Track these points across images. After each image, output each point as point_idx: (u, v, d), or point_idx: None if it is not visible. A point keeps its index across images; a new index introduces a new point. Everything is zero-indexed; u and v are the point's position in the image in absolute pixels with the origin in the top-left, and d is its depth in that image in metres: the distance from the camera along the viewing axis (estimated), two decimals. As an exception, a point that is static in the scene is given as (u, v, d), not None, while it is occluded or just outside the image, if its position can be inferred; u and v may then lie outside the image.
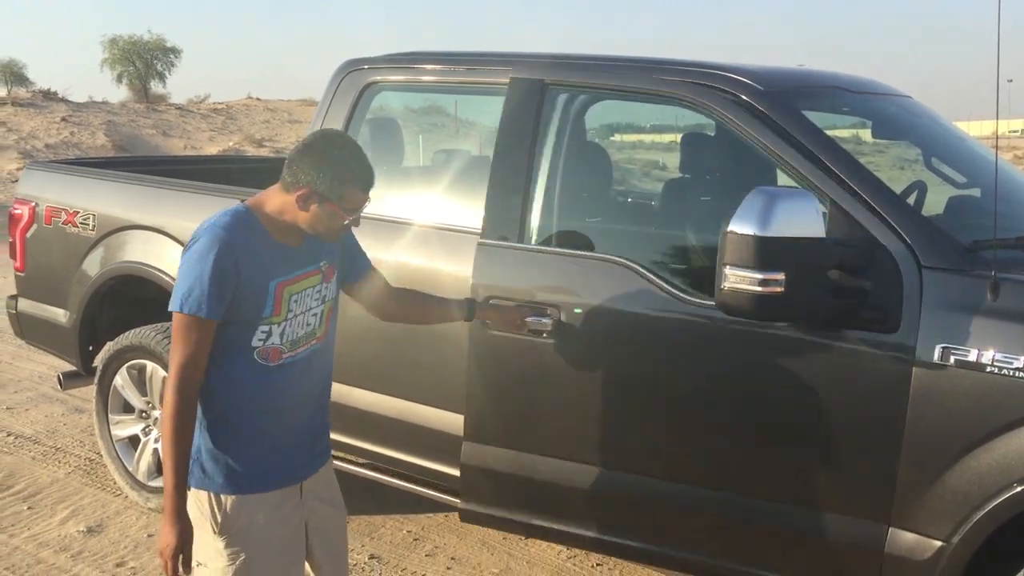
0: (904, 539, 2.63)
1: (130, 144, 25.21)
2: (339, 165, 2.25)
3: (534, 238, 3.25)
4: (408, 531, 4.17)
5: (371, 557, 3.94)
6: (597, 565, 3.87)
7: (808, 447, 2.77)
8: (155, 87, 36.31)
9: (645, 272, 2.98)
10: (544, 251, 3.23)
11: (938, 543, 2.57)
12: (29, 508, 4.36)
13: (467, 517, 3.30)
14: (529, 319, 3.04)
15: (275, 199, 2.30)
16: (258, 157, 7.10)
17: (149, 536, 4.09)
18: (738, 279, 2.51)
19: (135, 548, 3.99)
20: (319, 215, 2.26)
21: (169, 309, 2.23)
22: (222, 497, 2.32)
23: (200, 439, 2.32)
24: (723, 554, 2.94)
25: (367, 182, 2.30)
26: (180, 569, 2.25)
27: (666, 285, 2.94)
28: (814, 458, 2.76)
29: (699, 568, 2.99)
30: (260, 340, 2.28)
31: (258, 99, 36.00)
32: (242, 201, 2.35)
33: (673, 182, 4.49)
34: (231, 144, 27.24)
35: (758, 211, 2.47)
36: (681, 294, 2.93)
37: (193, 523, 2.33)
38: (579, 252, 3.24)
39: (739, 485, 2.89)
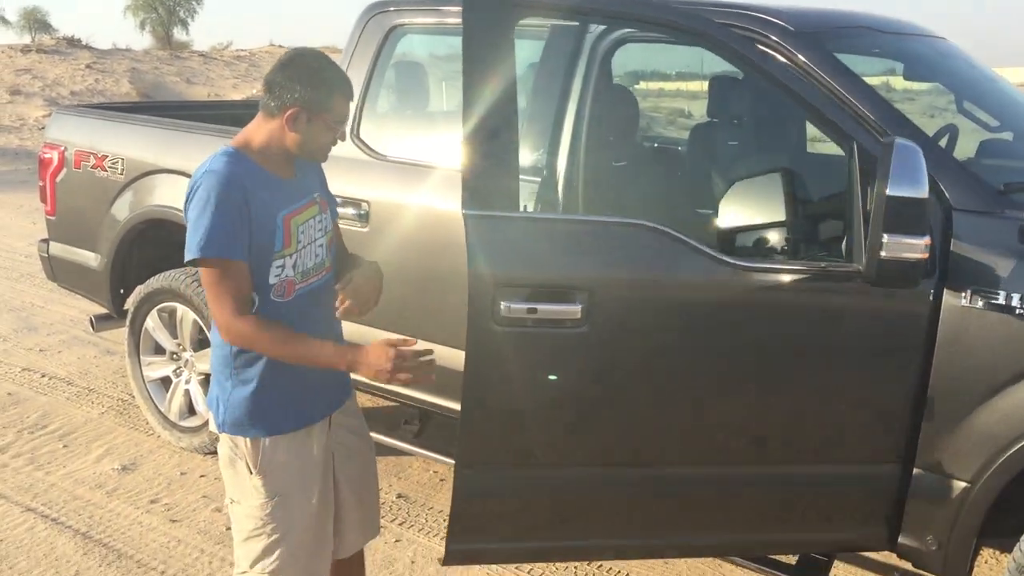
0: (929, 480, 2.65)
1: (154, 91, 25.19)
2: (320, 76, 2.25)
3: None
4: (435, 471, 4.24)
5: (399, 496, 4.01)
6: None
7: (842, 395, 2.72)
8: (177, 34, 36.23)
9: (679, 236, 2.56)
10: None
11: (963, 484, 2.59)
12: (65, 447, 4.45)
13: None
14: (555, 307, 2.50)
15: (260, 131, 2.29)
16: None
17: (182, 474, 4.18)
18: (902, 247, 2.34)
19: (168, 486, 4.08)
20: (309, 132, 2.26)
21: (187, 260, 2.18)
22: (256, 440, 2.35)
23: (228, 386, 2.35)
24: (771, 529, 2.85)
25: (349, 90, 2.31)
26: (404, 364, 2.19)
27: (708, 251, 2.57)
28: (844, 405, 2.75)
29: (756, 547, 2.93)
30: (276, 276, 2.27)
31: (280, 46, 35.74)
32: (224, 146, 2.30)
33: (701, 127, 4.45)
34: (254, 92, 27.15)
35: (911, 170, 2.31)
36: (729, 259, 2.57)
37: (229, 462, 2.39)
38: (602, 219, 2.74)
39: (787, 453, 2.76)
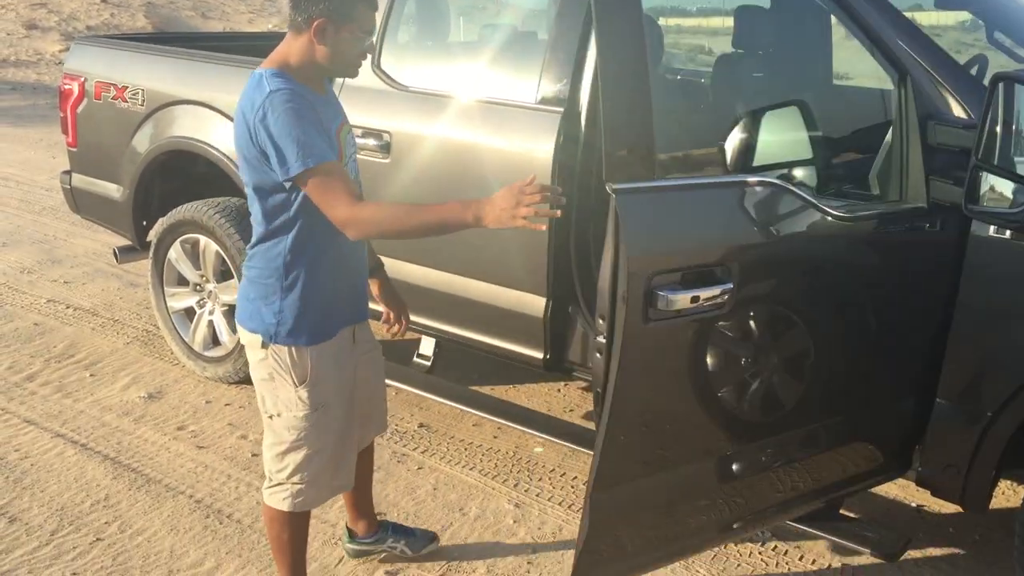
0: (949, 411, 2.66)
1: (169, 26, 24.96)
2: None
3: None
4: (455, 402, 4.29)
5: (420, 426, 4.06)
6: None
7: (874, 330, 2.73)
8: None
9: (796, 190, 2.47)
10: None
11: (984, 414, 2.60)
12: (91, 375, 4.52)
13: (551, 366, 3.44)
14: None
15: (292, 49, 2.33)
16: None
17: (207, 403, 4.25)
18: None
19: (194, 413, 4.15)
20: (337, 44, 2.31)
21: (290, 175, 2.22)
22: (302, 349, 2.44)
23: (275, 298, 2.43)
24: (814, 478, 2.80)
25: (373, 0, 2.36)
26: (526, 196, 2.13)
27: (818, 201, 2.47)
28: (873, 338, 2.75)
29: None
30: None
31: (295, -20, 35.37)
32: (263, 68, 2.34)
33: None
34: (270, 26, 26.91)
35: None
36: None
37: (269, 377, 2.48)
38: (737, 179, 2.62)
39: (849, 399, 2.74)
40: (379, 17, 3.60)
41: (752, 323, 2.42)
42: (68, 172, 4.97)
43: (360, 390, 2.66)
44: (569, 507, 3.47)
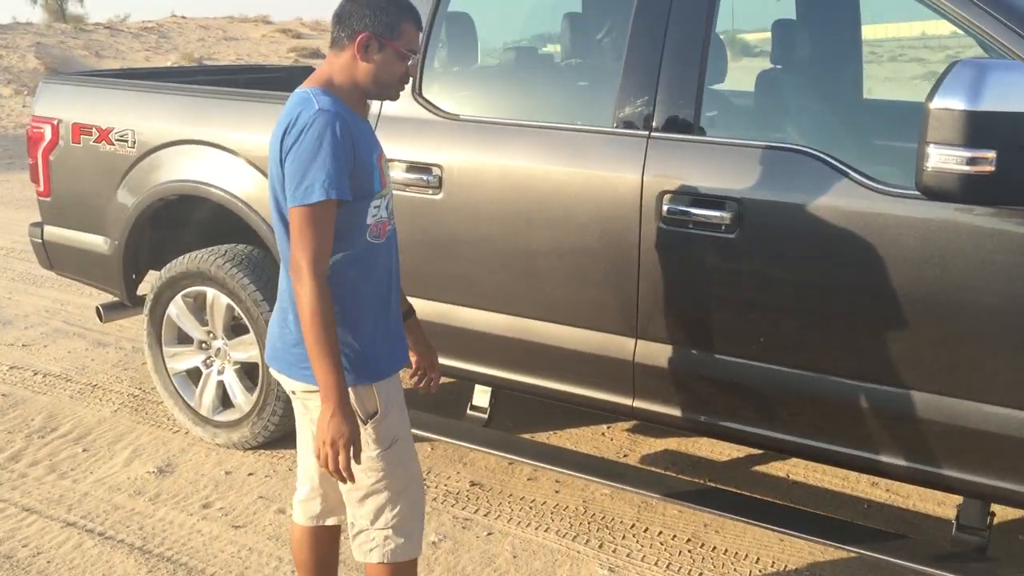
0: None
1: (64, 66, 23.93)
2: (390, 1, 2.22)
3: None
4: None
5: (472, 484, 3.72)
6: (708, 481, 3.71)
7: (991, 334, 2.57)
8: (72, 7, 34.60)
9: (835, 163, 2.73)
10: (724, 142, 2.92)
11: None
12: (84, 451, 4.04)
13: (640, 415, 3.16)
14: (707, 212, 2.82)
15: (336, 69, 2.24)
16: (272, 66, 6.64)
17: (227, 474, 3.82)
18: (943, 158, 2.32)
19: (216, 487, 3.72)
20: (381, 62, 2.22)
21: (296, 204, 2.11)
22: (367, 386, 2.28)
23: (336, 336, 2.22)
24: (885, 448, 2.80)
25: (418, 18, 2.28)
26: (352, 461, 2.15)
27: (855, 175, 2.68)
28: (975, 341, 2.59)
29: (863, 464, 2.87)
30: (373, 216, 2.24)
31: (183, 17, 34.45)
32: (307, 87, 2.23)
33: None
34: (170, 63, 26.06)
35: (966, 84, 2.27)
36: (871, 183, 2.67)
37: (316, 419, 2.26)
38: (761, 143, 2.88)
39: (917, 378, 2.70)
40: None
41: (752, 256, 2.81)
42: (39, 224, 4.48)
43: None
44: (667, 567, 3.18)
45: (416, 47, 2.28)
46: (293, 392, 2.36)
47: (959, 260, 2.53)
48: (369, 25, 2.19)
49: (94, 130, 4.13)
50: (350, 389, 2.20)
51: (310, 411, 2.33)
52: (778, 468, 3.83)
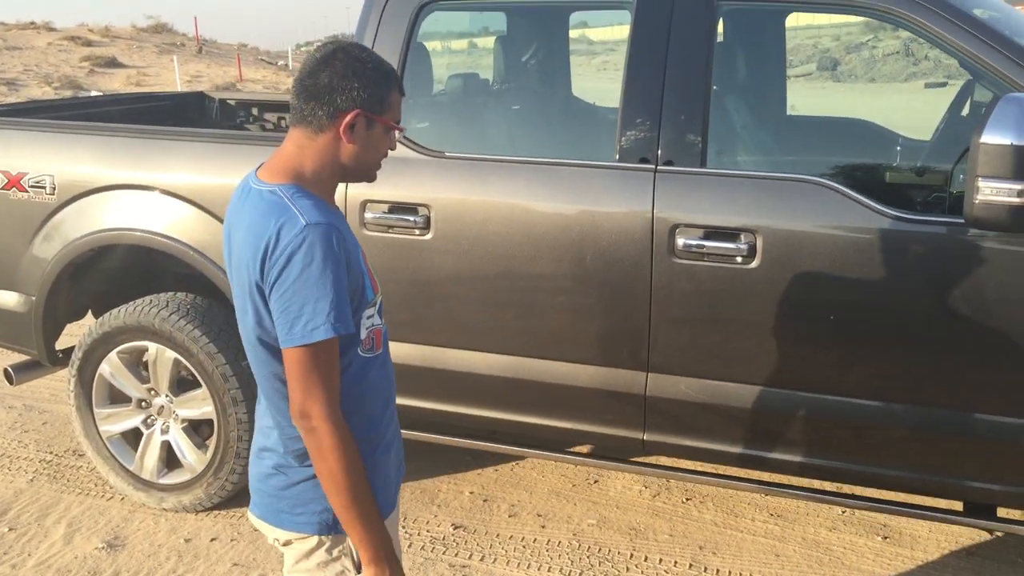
0: None
1: None
2: (378, 70, 1.85)
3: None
4: (471, 492, 3.88)
5: (455, 527, 3.62)
6: (686, 500, 3.77)
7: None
8: None
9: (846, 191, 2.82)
10: (734, 175, 3.01)
11: None
12: (11, 530, 3.64)
13: (651, 448, 3.16)
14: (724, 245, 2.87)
15: (308, 155, 1.86)
16: (167, 93, 6.19)
17: (187, 542, 3.54)
18: (993, 191, 2.46)
19: (180, 558, 3.44)
20: (369, 141, 1.87)
21: (296, 344, 1.75)
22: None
23: None
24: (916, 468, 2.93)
25: (400, 81, 1.93)
26: None
27: (874, 204, 2.78)
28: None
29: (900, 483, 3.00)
30: (366, 328, 1.90)
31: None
32: (274, 184, 1.84)
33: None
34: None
35: (1014, 119, 2.42)
36: (890, 211, 2.77)
37: (321, 567, 1.97)
38: (771, 174, 3.00)
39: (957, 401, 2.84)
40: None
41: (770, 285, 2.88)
42: (-69, 282, 4.00)
43: None
44: (682, 594, 3.21)
45: (400, 116, 1.94)
46: (287, 542, 1.99)
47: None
48: (359, 100, 1.82)
49: (2, 176, 3.73)
50: (333, 537, 1.93)
51: (309, 563, 1.98)
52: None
